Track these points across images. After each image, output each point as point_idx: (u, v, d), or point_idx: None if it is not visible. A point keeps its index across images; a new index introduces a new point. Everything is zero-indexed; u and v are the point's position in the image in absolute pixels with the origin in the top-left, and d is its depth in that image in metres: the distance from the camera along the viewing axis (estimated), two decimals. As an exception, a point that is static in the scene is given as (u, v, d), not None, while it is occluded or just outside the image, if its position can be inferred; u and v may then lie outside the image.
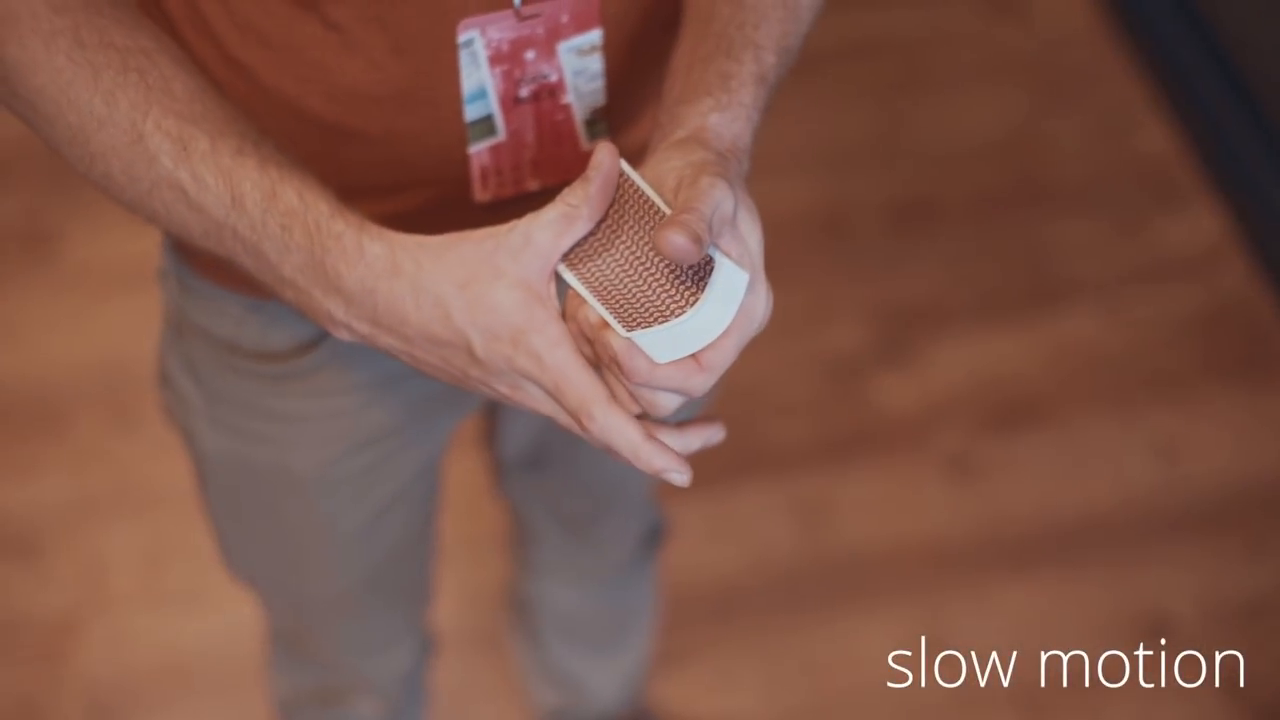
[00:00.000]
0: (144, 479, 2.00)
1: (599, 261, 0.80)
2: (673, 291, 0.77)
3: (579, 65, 0.93)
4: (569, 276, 0.79)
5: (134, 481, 2.00)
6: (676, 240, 0.73)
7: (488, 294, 0.78)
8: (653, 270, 0.78)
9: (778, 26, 0.88)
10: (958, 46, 2.51)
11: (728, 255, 0.77)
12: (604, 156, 0.79)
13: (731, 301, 0.77)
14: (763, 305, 0.78)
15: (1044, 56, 2.50)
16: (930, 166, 2.36)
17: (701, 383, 0.77)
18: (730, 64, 0.85)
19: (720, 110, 0.83)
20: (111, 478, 2.01)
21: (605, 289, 0.79)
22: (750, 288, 0.78)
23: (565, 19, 0.90)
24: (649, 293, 0.78)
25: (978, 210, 2.30)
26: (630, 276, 0.79)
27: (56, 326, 2.15)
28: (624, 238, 0.80)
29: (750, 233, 0.79)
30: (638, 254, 0.79)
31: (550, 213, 0.79)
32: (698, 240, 0.73)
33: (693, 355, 0.77)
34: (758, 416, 2.06)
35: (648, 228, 0.79)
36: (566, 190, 0.80)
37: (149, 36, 0.85)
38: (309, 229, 0.80)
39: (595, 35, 0.92)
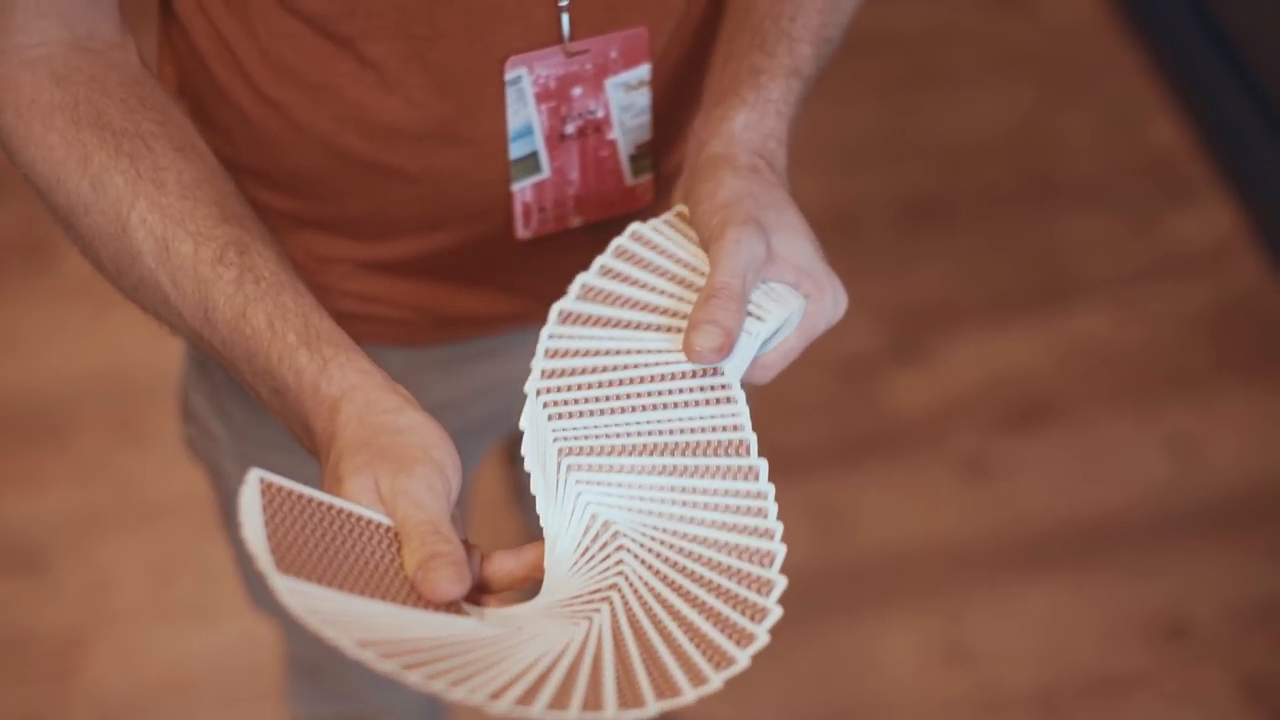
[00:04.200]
0: (150, 491, 1.97)
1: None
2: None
3: (626, 100, 0.91)
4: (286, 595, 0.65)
5: (139, 493, 1.97)
6: (703, 349, 0.75)
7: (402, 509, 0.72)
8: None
9: (816, 17, 0.87)
10: (964, 41, 2.48)
11: (779, 282, 0.78)
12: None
13: (790, 322, 0.79)
14: (828, 308, 0.80)
15: (1051, 50, 2.48)
16: (939, 162, 2.34)
17: (761, 377, 0.81)
18: (763, 58, 0.84)
19: (749, 109, 0.82)
20: (117, 490, 1.98)
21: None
22: (808, 299, 0.79)
23: (614, 54, 0.88)
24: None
25: (988, 206, 2.28)
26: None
27: (58, 337, 2.12)
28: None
29: (797, 251, 0.78)
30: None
31: (420, 525, 0.70)
32: (724, 346, 0.75)
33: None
34: (770, 419, 2.04)
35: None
36: (441, 551, 0.68)
37: (153, 119, 0.81)
38: (271, 362, 0.75)
39: (644, 70, 0.90)
